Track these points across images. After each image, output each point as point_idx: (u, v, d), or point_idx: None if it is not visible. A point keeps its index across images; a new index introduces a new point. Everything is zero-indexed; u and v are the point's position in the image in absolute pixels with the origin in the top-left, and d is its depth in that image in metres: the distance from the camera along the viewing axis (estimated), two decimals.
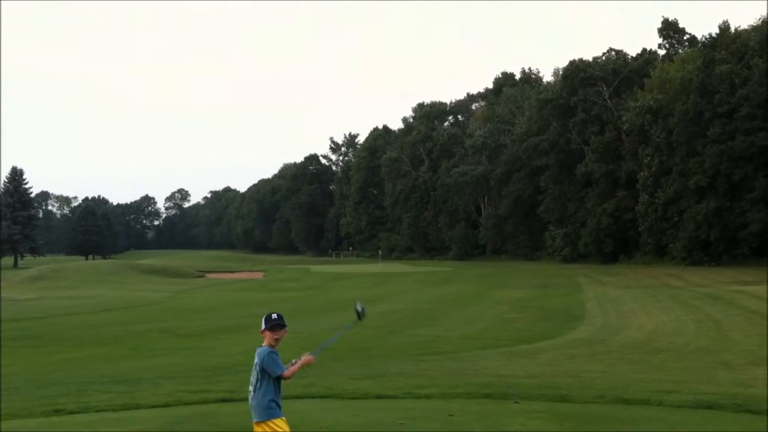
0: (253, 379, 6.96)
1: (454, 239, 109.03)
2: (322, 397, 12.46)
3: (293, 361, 6.82)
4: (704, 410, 10.58)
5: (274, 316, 6.89)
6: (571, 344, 22.96)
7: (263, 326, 6.83)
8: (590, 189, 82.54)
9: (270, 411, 6.78)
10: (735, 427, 9.52)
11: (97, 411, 11.70)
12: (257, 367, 6.79)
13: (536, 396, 12.14)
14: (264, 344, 6.89)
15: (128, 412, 11.42)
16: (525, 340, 24.25)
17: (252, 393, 6.96)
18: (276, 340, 6.86)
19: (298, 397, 12.46)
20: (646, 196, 70.72)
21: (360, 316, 7.46)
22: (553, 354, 20.14)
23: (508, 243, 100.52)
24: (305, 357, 6.87)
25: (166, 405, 11.83)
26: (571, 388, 13.07)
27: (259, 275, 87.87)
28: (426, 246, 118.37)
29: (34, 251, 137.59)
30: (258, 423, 6.99)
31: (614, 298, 41.65)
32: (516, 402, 11.53)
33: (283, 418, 6.79)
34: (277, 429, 6.72)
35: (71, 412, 11.67)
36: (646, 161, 70.71)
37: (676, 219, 67.74)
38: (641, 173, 71.62)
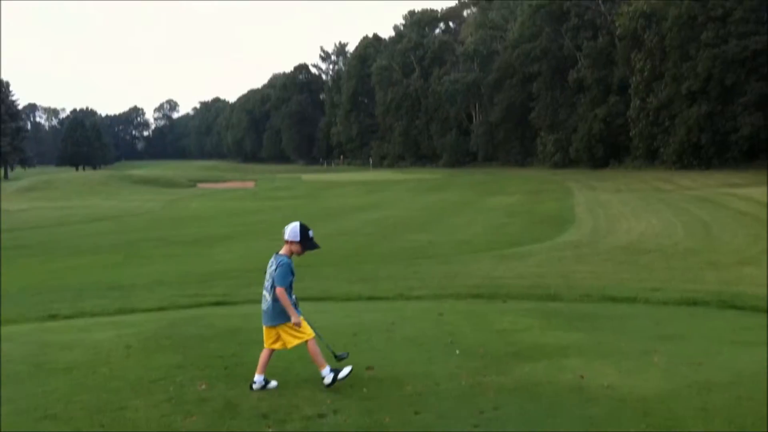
0: (267, 284, 7.00)
1: (446, 147, 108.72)
2: (317, 299, 12.65)
3: (294, 299, 7.04)
4: (690, 307, 10.81)
5: (311, 234, 6.95)
6: (560, 247, 23.19)
7: (296, 238, 6.87)
8: (582, 95, 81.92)
9: (283, 316, 6.90)
10: (719, 323, 9.74)
11: (93, 315, 11.88)
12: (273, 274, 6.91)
13: (525, 296, 12.37)
14: (282, 252, 6.97)
15: (124, 316, 11.60)
16: (516, 244, 24.46)
17: (265, 298, 7.02)
18: (299, 254, 6.97)
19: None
20: (638, 101, 70.31)
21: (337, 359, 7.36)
22: (542, 257, 20.35)
23: (499, 150, 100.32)
24: (296, 318, 6.93)
25: (160, 309, 12.01)
26: (559, 287, 13.30)
27: (250, 185, 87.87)
28: (417, 154, 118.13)
29: (24, 163, 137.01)
30: (268, 327, 7.09)
31: (604, 202, 41.88)
32: (505, 301, 11.74)
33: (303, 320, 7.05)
34: (292, 331, 6.98)
35: (67, 317, 11.86)
36: (638, 66, 70.01)
37: (667, 124, 67.54)
38: (633, 78, 71.01)
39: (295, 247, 6.95)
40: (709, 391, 6.60)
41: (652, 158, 71.72)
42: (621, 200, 41.89)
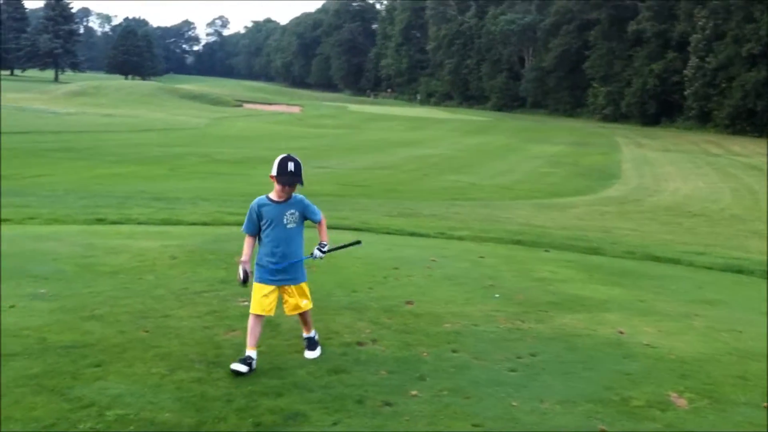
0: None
1: (495, 89, 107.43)
2: (355, 229, 12.71)
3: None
4: (734, 274, 10.69)
5: (291, 167, 5.53)
6: (603, 201, 22.99)
7: (273, 172, 5.58)
8: (639, 48, 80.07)
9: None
10: (763, 293, 9.62)
11: (138, 223, 12.06)
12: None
13: (566, 247, 12.30)
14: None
15: (169, 226, 11.75)
16: (558, 194, 24.31)
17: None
18: (279, 191, 5.66)
19: (334, 227, 12.74)
20: (696, 60, 68.62)
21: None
22: (584, 209, 20.22)
23: (549, 97, 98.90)
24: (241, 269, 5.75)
25: (204, 223, 12.15)
26: (601, 241, 13.21)
27: (296, 109, 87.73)
28: (465, 94, 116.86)
29: (75, 66, 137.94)
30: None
31: (652, 160, 41.30)
32: (546, 250, 11.70)
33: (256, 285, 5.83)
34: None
35: (113, 222, 12.05)
36: (700, 23, 68.12)
37: (723, 86, 65.95)
38: (694, 35, 69.16)
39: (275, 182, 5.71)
40: (749, 360, 6.56)
41: (704, 120, 70.27)
42: (669, 160, 41.28)
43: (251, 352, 5.64)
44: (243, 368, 5.45)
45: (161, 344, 4.94)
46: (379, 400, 5.17)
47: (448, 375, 5.76)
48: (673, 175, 32.91)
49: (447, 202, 20.26)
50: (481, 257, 10.39)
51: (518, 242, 12.10)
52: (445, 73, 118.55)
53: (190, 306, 7.18)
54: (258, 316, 5.77)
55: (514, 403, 5.25)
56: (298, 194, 5.79)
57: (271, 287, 5.79)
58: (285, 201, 5.71)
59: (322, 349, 6.10)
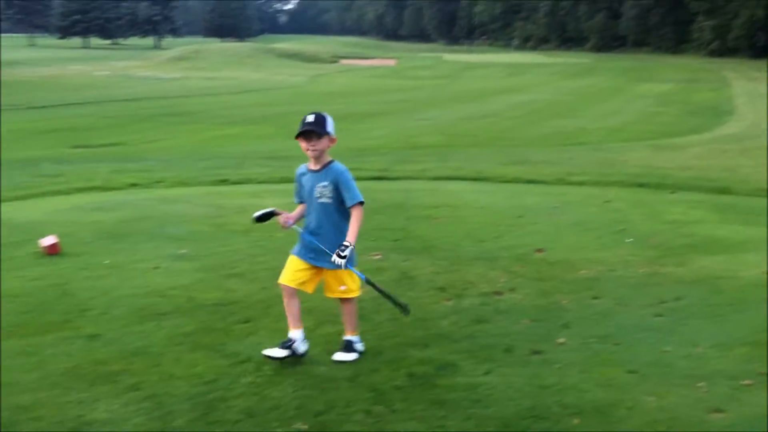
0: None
1: (593, 30, 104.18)
2: (471, 179, 12.62)
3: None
4: None
5: (310, 117, 4.77)
6: (721, 140, 22.09)
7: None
8: None
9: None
10: None
11: (259, 183, 12.31)
12: None
13: (692, 187, 11.92)
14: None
15: (288, 184, 11.87)
16: (671, 134, 23.49)
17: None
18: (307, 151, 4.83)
19: (449, 178, 12.70)
20: None
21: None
22: (702, 148, 19.47)
23: (651, 35, 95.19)
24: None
25: None
26: (728, 181, 12.73)
27: (391, 62, 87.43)
28: (563, 37, 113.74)
29: (174, 32, 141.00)
30: None
31: (765, 94, 39.36)
32: (672, 192, 11.34)
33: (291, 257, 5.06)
34: None
35: (235, 183, 12.33)
36: None
37: None
38: None
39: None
40: None
41: None
42: None
43: (293, 332, 4.90)
44: (280, 353, 4.77)
45: (303, 299, 5.00)
46: (527, 349, 5.14)
47: (593, 322, 5.68)
48: None
49: (557, 148, 19.85)
50: (607, 201, 10.16)
51: (641, 185, 11.78)
52: (540, 15, 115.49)
53: None
54: (288, 289, 4.94)
55: (667, 348, 5.13)
56: (340, 164, 4.88)
57: (307, 264, 4.94)
58: (320, 170, 4.84)
59: (361, 356, 5.00)
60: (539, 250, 7.68)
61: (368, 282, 4.97)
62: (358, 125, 27.53)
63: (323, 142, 4.75)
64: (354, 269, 4.89)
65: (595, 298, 6.21)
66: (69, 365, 4.87)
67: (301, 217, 5.04)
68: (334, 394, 4.43)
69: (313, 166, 4.87)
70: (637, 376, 4.69)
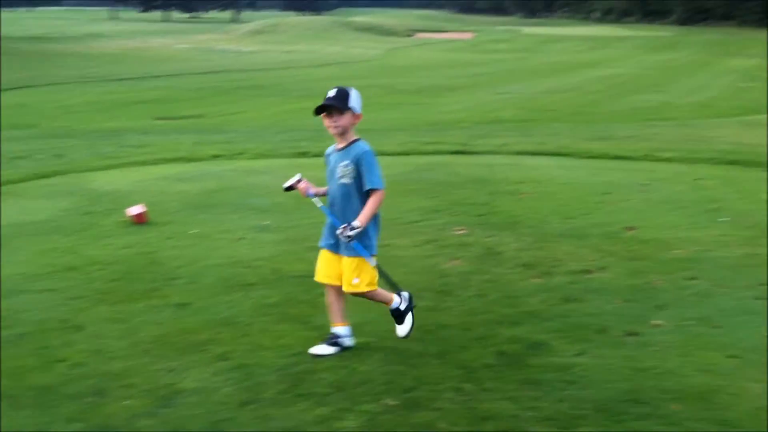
0: None
1: (677, 2, 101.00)
2: (555, 154, 12.33)
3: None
4: None
5: (332, 92, 4.51)
6: None
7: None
8: None
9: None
10: None
11: None
12: None
13: None
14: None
15: None
16: (761, 111, 22.54)
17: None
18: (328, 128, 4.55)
19: (532, 153, 12.44)
20: None
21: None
22: None
23: (737, 8, 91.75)
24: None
25: (404, 153, 12.17)
26: None
27: (468, 36, 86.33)
28: (644, 9, 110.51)
29: (252, 5, 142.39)
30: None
31: None
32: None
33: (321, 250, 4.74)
34: None
35: (315, 155, 12.30)
36: None
37: None
38: None
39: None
40: None
41: None
42: None
43: (336, 329, 4.65)
44: (327, 350, 4.57)
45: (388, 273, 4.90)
46: (621, 330, 4.97)
47: (690, 303, 5.45)
48: None
49: (642, 123, 19.28)
50: (698, 179, 9.79)
51: (733, 162, 11.30)
52: None
53: (407, 236, 7.20)
54: (326, 286, 4.69)
55: None
56: (365, 144, 4.60)
57: (330, 253, 4.63)
58: (343, 149, 4.55)
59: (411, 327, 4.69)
60: (630, 228, 7.44)
61: (379, 270, 4.59)
62: (437, 99, 27.30)
63: (345, 118, 4.45)
64: (369, 258, 4.48)
65: (692, 278, 5.97)
66: (158, 333, 4.92)
67: (326, 193, 4.74)
68: (423, 370, 4.36)
69: (338, 146, 4.58)
70: (740, 361, 4.48)
